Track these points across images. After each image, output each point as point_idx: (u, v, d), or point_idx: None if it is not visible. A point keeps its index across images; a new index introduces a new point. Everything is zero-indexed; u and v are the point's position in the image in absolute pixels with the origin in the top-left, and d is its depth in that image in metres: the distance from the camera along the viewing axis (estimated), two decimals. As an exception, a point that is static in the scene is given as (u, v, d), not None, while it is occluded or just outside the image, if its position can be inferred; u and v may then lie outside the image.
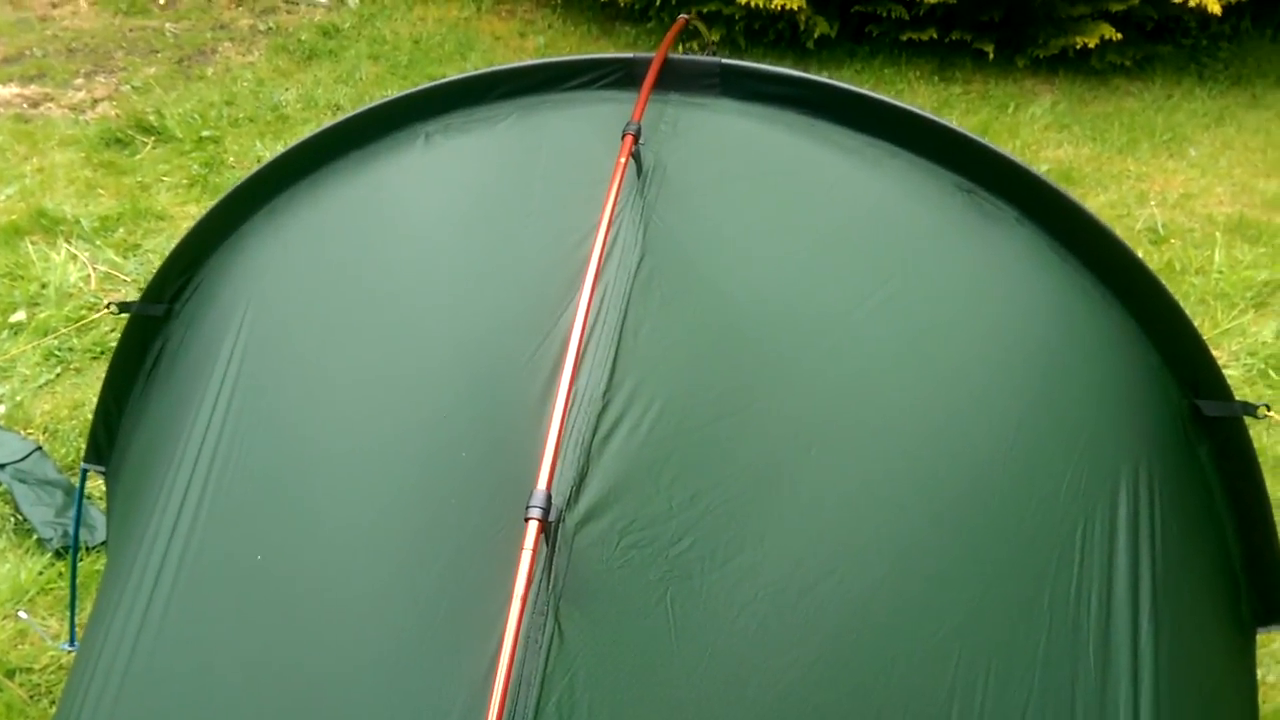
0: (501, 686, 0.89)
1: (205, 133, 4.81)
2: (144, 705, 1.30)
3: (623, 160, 1.31)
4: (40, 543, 2.64)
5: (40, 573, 2.55)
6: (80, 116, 5.11)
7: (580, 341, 1.13)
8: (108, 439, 1.99)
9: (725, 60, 1.59)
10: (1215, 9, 5.24)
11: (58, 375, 3.27)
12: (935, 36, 5.62)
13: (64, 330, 3.36)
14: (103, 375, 1.95)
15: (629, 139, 1.34)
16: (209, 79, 5.52)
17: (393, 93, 1.71)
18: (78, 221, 4.06)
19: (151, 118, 4.90)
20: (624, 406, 1.18)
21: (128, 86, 5.42)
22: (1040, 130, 5.16)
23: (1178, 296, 3.92)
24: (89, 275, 3.77)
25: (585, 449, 1.14)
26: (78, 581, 2.30)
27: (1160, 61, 5.86)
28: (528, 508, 1.00)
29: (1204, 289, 3.78)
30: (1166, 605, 1.42)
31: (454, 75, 1.69)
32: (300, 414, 1.40)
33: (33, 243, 3.92)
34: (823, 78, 1.56)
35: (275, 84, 5.44)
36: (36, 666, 2.32)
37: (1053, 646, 1.29)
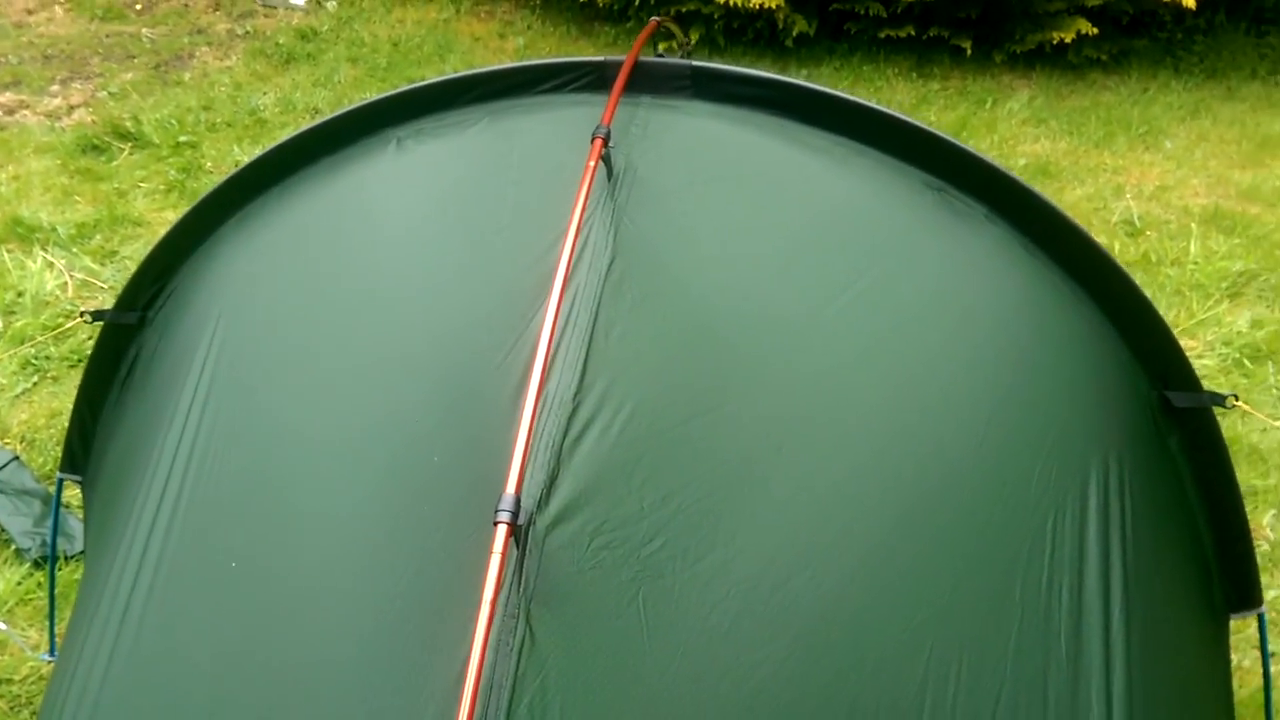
0: (471, 691, 0.90)
1: (182, 138, 4.79)
2: (121, 713, 1.30)
3: (592, 164, 1.31)
4: (18, 553, 2.62)
5: (19, 583, 2.54)
6: (56, 123, 5.08)
7: (549, 345, 1.13)
8: (83, 448, 1.98)
9: (696, 62, 1.60)
10: (1190, 3, 5.30)
11: (35, 384, 3.25)
12: (913, 33, 5.65)
13: (41, 339, 3.34)
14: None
15: (599, 142, 1.35)
16: (186, 84, 5.49)
17: (372, 95, 1.71)
18: (54, 229, 4.04)
19: (128, 124, 4.88)
20: (595, 408, 1.19)
21: (104, 93, 5.39)
22: (1018, 125, 5.20)
23: (1154, 288, 3.98)
24: (66, 283, 3.74)
25: (556, 451, 1.14)
26: (57, 591, 2.29)
27: (1136, 55, 5.91)
28: (496, 511, 1.01)
29: (1180, 280, 3.82)
30: (1138, 593, 1.44)
31: (427, 80, 1.69)
32: (273, 421, 1.40)
33: (9, 251, 3.89)
34: (792, 79, 1.57)
35: (253, 88, 5.42)
36: (16, 678, 2.31)
37: (1024, 637, 1.30)
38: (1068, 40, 5.47)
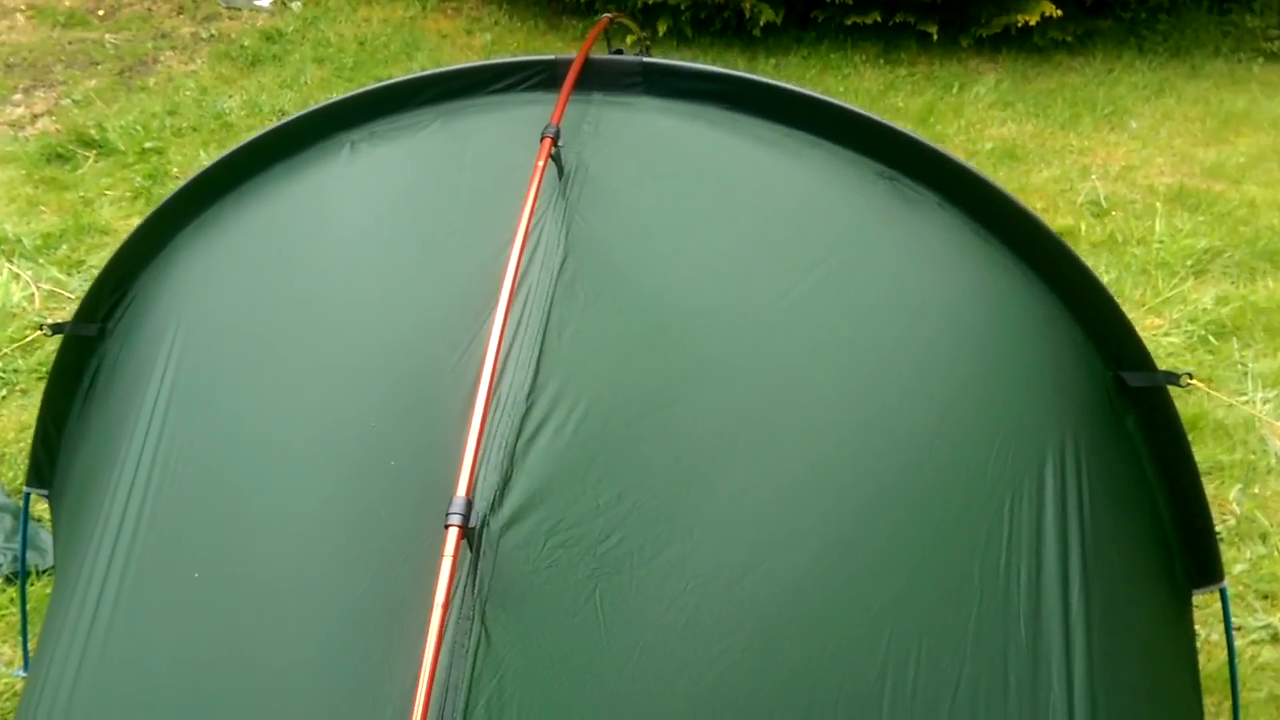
0: (424, 695, 0.90)
1: (148, 144, 4.75)
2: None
3: (541, 163, 1.32)
4: (-9, 569, 2.61)
5: (-8, 599, 2.52)
6: (19, 133, 5.02)
7: (498, 347, 1.14)
8: (49, 462, 1.97)
9: (647, 59, 1.60)
10: (1151, -18, 5.33)
11: (3, 397, 3.22)
12: (879, 20, 5.66)
13: (8, 351, 3.31)
14: (47, 397, 1.93)
15: (547, 141, 1.35)
16: (151, 89, 5.44)
17: (338, 96, 1.70)
18: (19, 240, 4.00)
19: (93, 131, 4.83)
20: (549, 408, 1.19)
21: (68, 100, 5.33)
22: (985, 109, 5.22)
23: (1120, 267, 4.01)
24: (32, 294, 3.71)
25: (509, 452, 1.15)
26: (29, 606, 2.28)
27: (1100, 36, 5.95)
28: (447, 514, 1.02)
29: (1145, 259, 3.86)
30: (1096, 571, 1.45)
31: (380, 81, 1.69)
32: (232, 427, 1.40)
33: (-26, 264, 3.86)
34: (742, 72, 1.58)
35: (219, 91, 5.38)
36: (-9, 694, 2.31)
37: (984, 620, 1.31)
38: (1033, 23, 5.50)
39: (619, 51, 1.89)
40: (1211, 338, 3.44)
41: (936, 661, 1.25)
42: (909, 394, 1.40)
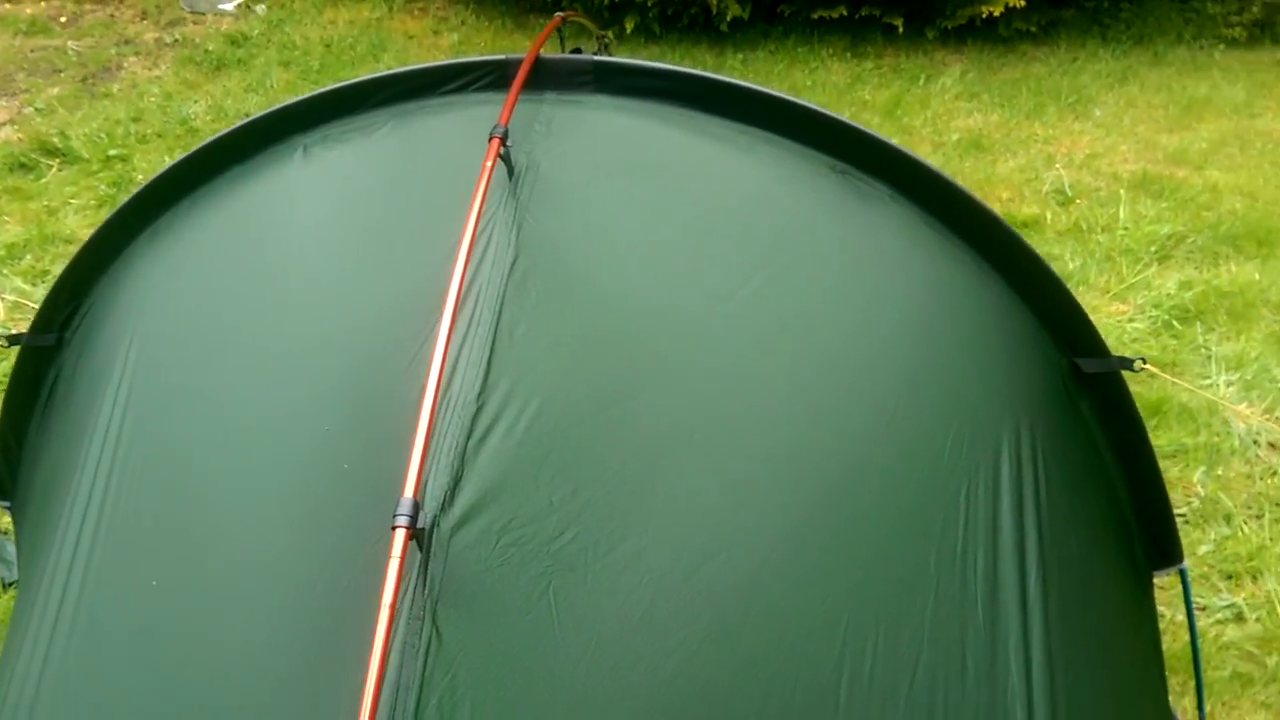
0: (371, 697, 0.91)
1: (113, 151, 4.71)
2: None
3: (489, 164, 1.32)
4: (-43, 583, 2.59)
5: (-42, 614, 2.50)
6: (-19, 143, 4.97)
7: (445, 347, 1.14)
8: (10, 474, 1.96)
9: (598, 57, 1.61)
10: (1113, -29, 5.39)
11: (-32, 411, 3.19)
12: (845, 14, 5.69)
13: (-28, 364, 3.27)
14: (6, 409, 1.92)
15: (495, 142, 1.35)
16: (115, 96, 5.39)
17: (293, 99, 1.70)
18: (-18, 251, 3.96)
19: (56, 139, 4.79)
20: (500, 407, 1.19)
21: (30, 108, 5.28)
22: (951, 100, 5.26)
23: (1085, 255, 4.04)
24: (-3, 306, 3.68)
25: (460, 452, 1.15)
26: (-5, 620, 2.26)
27: (1064, 26, 6.01)
28: (394, 516, 1.02)
29: (1110, 246, 3.90)
30: (1054, 555, 1.47)
31: (331, 85, 1.68)
32: (187, 434, 1.40)
33: (-64, 276, 3.82)
34: (693, 70, 1.59)
35: (183, 97, 5.34)
36: (-41, 709, 2.28)
37: (941, 606, 1.33)
38: (997, 14, 5.55)
39: (578, 50, 1.89)
40: (1176, 322, 3.48)
41: (894, 649, 1.27)
42: (863, 385, 1.41)
